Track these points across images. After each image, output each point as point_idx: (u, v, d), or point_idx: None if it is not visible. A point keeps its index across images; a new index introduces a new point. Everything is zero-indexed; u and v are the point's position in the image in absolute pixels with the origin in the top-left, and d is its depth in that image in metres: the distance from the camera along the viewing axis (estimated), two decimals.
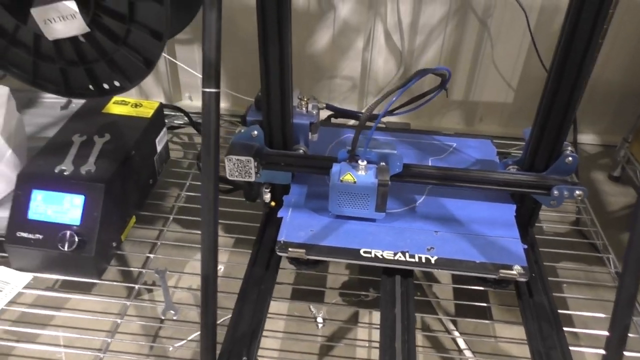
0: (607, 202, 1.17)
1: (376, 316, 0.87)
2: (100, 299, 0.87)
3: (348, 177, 0.75)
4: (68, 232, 0.79)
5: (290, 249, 0.75)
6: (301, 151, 0.84)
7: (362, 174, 0.75)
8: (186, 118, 1.20)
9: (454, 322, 0.85)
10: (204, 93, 0.56)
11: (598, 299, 0.88)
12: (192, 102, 1.39)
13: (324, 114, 0.99)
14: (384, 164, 0.77)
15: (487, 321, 0.85)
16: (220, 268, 0.95)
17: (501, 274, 0.72)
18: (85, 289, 0.88)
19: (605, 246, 0.95)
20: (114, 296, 0.87)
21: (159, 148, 1.02)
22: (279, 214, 0.82)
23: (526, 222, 0.86)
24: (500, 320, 0.85)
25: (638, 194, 1.16)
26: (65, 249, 0.78)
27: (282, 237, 0.77)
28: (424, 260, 0.73)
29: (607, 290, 0.90)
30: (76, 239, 0.79)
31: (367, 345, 0.84)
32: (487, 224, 0.80)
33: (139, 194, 0.96)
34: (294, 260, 0.78)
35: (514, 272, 0.72)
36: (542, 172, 0.80)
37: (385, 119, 1.35)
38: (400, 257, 0.74)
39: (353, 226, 0.79)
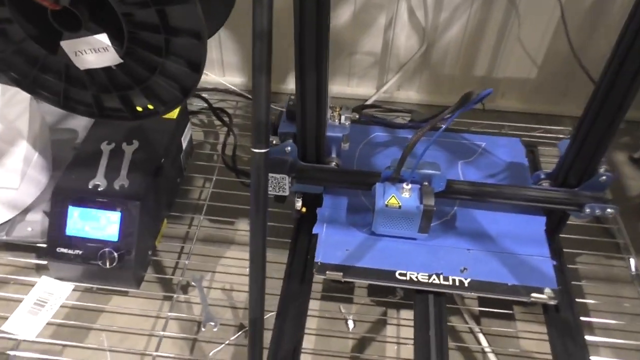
0: (627, 187, 1.18)
1: (404, 314, 0.91)
2: (139, 301, 0.90)
3: (393, 201, 0.76)
4: (107, 250, 0.80)
5: (328, 272, 0.77)
6: (333, 164, 0.84)
7: (406, 197, 0.76)
8: (205, 104, 1.18)
9: (480, 329, 0.89)
10: (254, 154, 0.56)
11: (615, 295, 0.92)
12: (207, 77, 1.36)
13: None
14: (427, 184, 0.77)
15: (511, 330, 0.88)
16: None
17: (532, 298, 0.75)
18: (123, 292, 0.91)
19: (627, 246, 0.97)
20: (152, 297, 0.91)
21: (184, 145, 1.01)
22: (314, 231, 0.83)
23: (554, 229, 0.88)
24: (526, 330, 0.89)
25: None
26: (107, 265, 0.80)
27: (319, 258, 0.79)
28: (457, 284, 0.76)
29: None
30: (115, 255, 0.80)
31: (396, 342, 0.88)
32: (518, 240, 0.82)
33: (169, 196, 0.97)
34: (331, 281, 0.80)
35: (544, 295, 0.75)
36: (574, 187, 0.81)
37: (388, 97, 1.33)
38: (434, 279, 0.76)
39: (387, 243, 0.81)
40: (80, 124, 1.00)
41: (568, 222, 0.89)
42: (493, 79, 1.30)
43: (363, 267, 0.78)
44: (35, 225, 0.88)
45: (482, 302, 0.89)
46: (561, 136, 1.22)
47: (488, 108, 1.34)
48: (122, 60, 0.66)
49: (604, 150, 0.77)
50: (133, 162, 0.87)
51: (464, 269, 0.78)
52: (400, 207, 0.76)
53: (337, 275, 0.77)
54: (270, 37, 0.52)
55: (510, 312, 0.90)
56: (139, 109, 0.74)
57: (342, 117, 0.84)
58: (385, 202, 0.76)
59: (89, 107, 0.74)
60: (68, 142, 0.98)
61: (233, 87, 1.32)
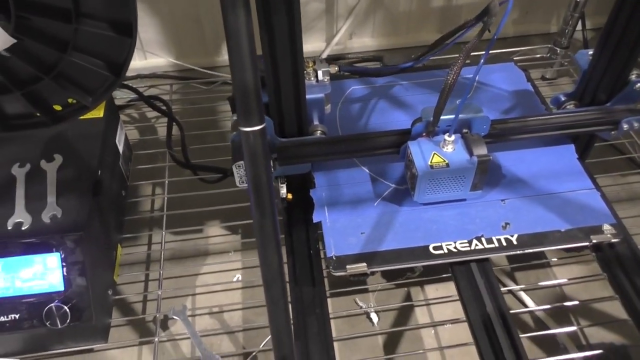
0: None
1: (429, 291, 0.77)
2: (111, 355, 0.71)
3: (437, 160, 0.61)
4: (53, 305, 0.60)
5: (348, 266, 0.61)
6: (319, 133, 0.67)
7: (450, 151, 0.61)
8: (134, 94, 0.96)
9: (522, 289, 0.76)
10: (246, 134, 0.38)
11: None
12: (135, 61, 1.13)
13: None
14: (466, 131, 0.63)
15: (553, 281, 0.76)
16: (237, 277, 0.80)
17: (594, 240, 0.62)
18: (88, 349, 0.71)
19: None
20: (127, 345, 0.72)
21: (121, 148, 0.80)
22: (315, 219, 0.66)
23: (580, 155, 0.75)
24: (569, 278, 0.77)
25: None
26: (58, 325, 0.60)
27: (332, 252, 0.62)
28: (504, 243, 0.62)
29: None
30: (66, 309, 0.60)
31: (432, 325, 0.74)
32: (554, 177, 0.69)
33: (117, 216, 0.76)
34: (354, 276, 0.64)
35: (606, 234, 0.62)
36: (605, 103, 0.68)
37: (341, 50, 1.17)
38: (476, 245, 0.62)
39: (408, 215, 0.66)
40: None
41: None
42: (454, 7, 1.16)
43: (388, 249, 0.62)
44: None
45: (512, 258, 0.77)
46: (538, 56, 1.11)
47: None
48: (14, 40, 0.45)
49: (637, 55, 0.64)
50: (60, 182, 0.66)
51: (506, 224, 0.64)
52: (447, 165, 0.60)
53: (361, 268, 0.61)
54: None
55: (545, 260, 0.78)
56: (57, 107, 0.53)
57: (319, 73, 0.66)
58: (429, 163, 0.60)
59: None
60: None
61: (161, 71, 1.11)
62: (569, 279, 0.76)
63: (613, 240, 0.63)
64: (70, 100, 0.53)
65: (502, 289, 0.68)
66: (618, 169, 0.90)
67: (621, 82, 0.66)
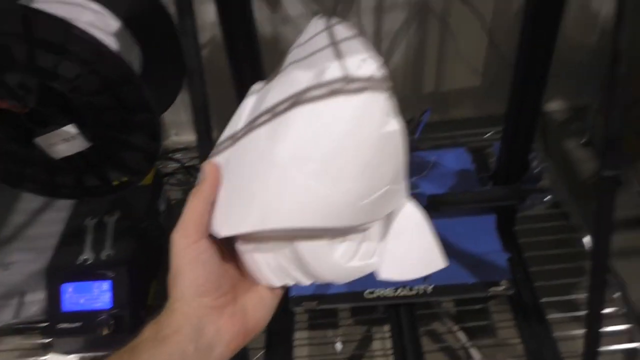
0: (580, 170, 1.26)
1: (387, 327, 0.97)
2: None
3: None
4: (103, 317, 0.87)
5: (304, 303, 0.84)
6: None
7: None
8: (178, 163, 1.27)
9: (459, 327, 0.95)
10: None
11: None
12: (180, 138, 1.45)
13: None
14: None
15: (488, 322, 0.95)
16: None
17: (490, 292, 0.81)
18: None
19: (581, 225, 1.04)
20: None
21: (162, 207, 1.09)
22: None
23: (508, 224, 0.95)
24: (501, 320, 0.95)
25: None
26: (105, 332, 0.87)
27: (292, 292, 0.85)
28: (422, 292, 0.83)
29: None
30: (112, 322, 0.87)
31: (383, 354, 0.95)
32: (473, 240, 0.88)
33: (155, 258, 1.04)
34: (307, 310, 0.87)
35: (501, 287, 0.82)
36: (514, 183, 0.88)
37: None
38: (400, 292, 0.83)
39: None
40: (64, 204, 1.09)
41: (529, 212, 0.96)
42: (442, 93, 1.39)
43: (334, 292, 0.85)
44: (39, 304, 0.95)
45: (457, 302, 0.96)
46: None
47: (444, 119, 1.42)
48: (90, 144, 0.74)
49: (530, 145, 0.84)
50: (117, 231, 0.94)
51: (426, 277, 0.84)
52: None
53: (312, 305, 0.83)
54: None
55: (485, 305, 0.96)
56: (115, 182, 0.82)
57: None
58: None
59: (72, 189, 0.82)
60: (55, 222, 1.06)
61: None
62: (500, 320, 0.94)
63: (507, 293, 0.82)
64: (124, 178, 0.82)
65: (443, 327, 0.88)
66: (563, 232, 1.06)
67: (524, 166, 0.87)
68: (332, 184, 0.32)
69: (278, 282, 0.37)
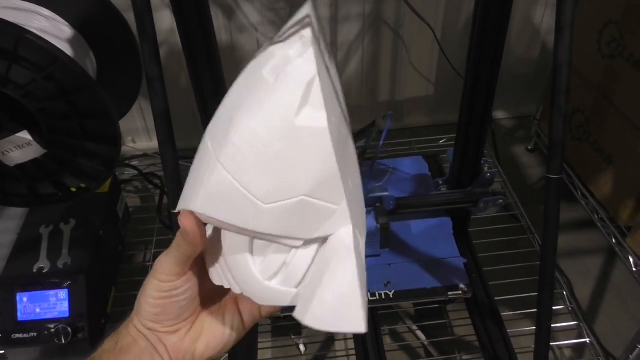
0: (526, 175, 1.33)
1: None
2: None
3: None
4: (60, 326, 0.85)
5: None
6: None
7: None
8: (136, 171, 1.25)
9: (418, 327, 0.99)
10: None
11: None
12: (136, 144, 1.43)
13: None
14: (379, 205, 0.87)
15: (445, 320, 0.99)
16: None
17: (450, 296, 0.85)
18: None
19: (529, 227, 1.10)
20: None
21: (120, 214, 1.08)
22: None
23: (463, 226, 0.99)
24: (456, 318, 0.99)
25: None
26: (62, 341, 0.85)
27: None
28: (383, 297, 0.85)
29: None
30: (69, 330, 0.85)
31: (346, 354, 0.97)
32: (430, 244, 0.92)
33: (113, 265, 1.02)
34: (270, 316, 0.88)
35: (459, 291, 0.85)
36: (467, 187, 0.93)
37: None
38: None
39: None
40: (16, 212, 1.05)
41: (484, 215, 1.01)
42: (397, 102, 1.44)
43: None
44: None
45: (416, 302, 0.99)
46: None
47: (399, 127, 1.47)
48: (45, 151, 0.73)
49: (481, 152, 0.89)
50: (73, 239, 0.93)
51: (388, 282, 0.87)
52: None
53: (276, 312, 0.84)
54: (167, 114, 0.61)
55: (442, 305, 1.00)
56: (73, 189, 0.81)
57: None
58: None
59: (25, 198, 0.81)
60: (6, 231, 1.03)
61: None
62: (456, 318, 0.98)
63: (466, 296, 0.86)
64: (81, 185, 0.81)
65: (403, 326, 0.91)
66: (514, 233, 1.12)
67: (476, 171, 0.91)
68: (237, 171, 0.29)
69: (217, 280, 0.35)
